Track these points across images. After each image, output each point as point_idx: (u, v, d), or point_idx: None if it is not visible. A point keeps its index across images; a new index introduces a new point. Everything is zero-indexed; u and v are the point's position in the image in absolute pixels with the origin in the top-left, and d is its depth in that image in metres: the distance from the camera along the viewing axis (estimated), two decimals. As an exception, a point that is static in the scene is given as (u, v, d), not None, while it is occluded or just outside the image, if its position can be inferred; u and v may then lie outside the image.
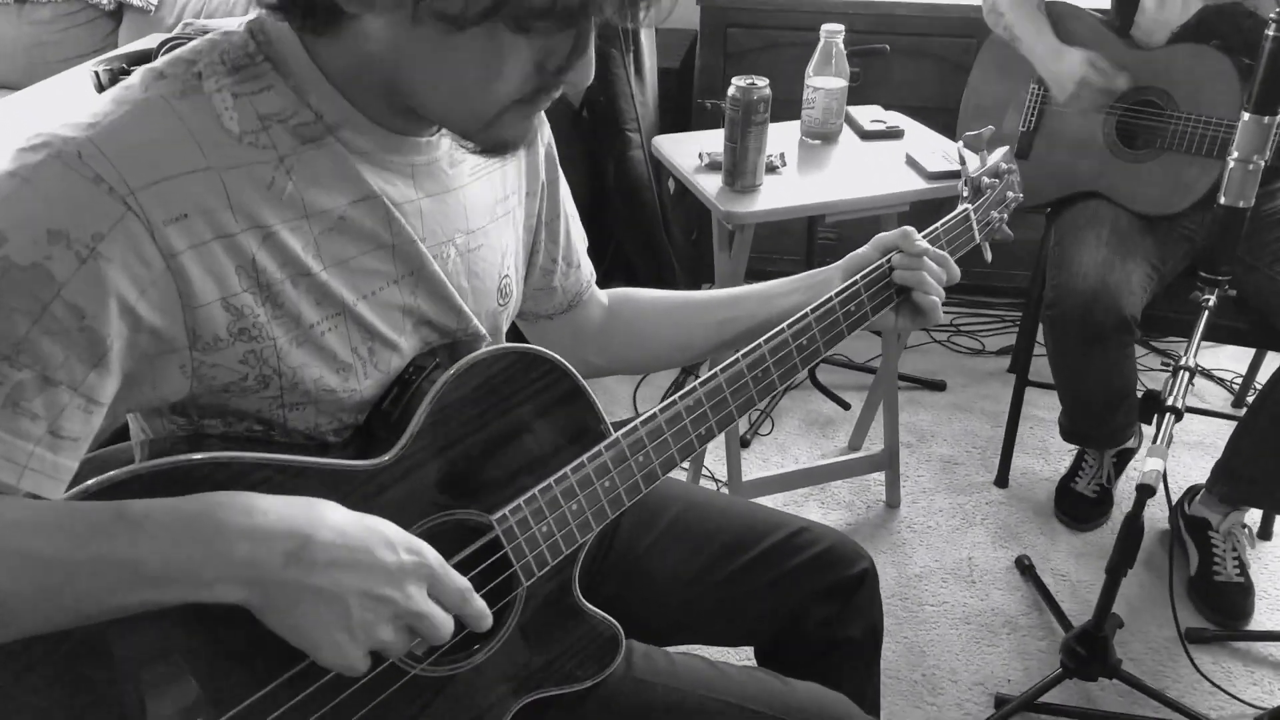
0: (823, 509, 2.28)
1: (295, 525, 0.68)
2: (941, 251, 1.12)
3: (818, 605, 1.19)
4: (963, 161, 1.25)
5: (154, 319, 0.69)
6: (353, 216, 0.79)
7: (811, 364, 1.06)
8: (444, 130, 0.86)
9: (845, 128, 2.06)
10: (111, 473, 0.68)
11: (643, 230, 2.58)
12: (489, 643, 0.89)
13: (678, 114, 2.91)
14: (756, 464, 2.42)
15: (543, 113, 1.04)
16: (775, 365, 1.02)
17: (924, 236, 1.11)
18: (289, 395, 0.79)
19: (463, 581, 0.78)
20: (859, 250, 1.11)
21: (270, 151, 0.74)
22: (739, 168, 1.77)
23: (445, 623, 0.76)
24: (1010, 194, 1.27)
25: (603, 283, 2.81)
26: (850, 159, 1.96)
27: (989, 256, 1.27)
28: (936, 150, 1.93)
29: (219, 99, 0.72)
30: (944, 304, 1.09)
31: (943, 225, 1.16)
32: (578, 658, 0.96)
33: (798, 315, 1.03)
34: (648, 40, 2.60)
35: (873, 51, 2.24)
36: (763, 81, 1.73)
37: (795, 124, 2.04)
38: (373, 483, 0.80)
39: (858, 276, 1.07)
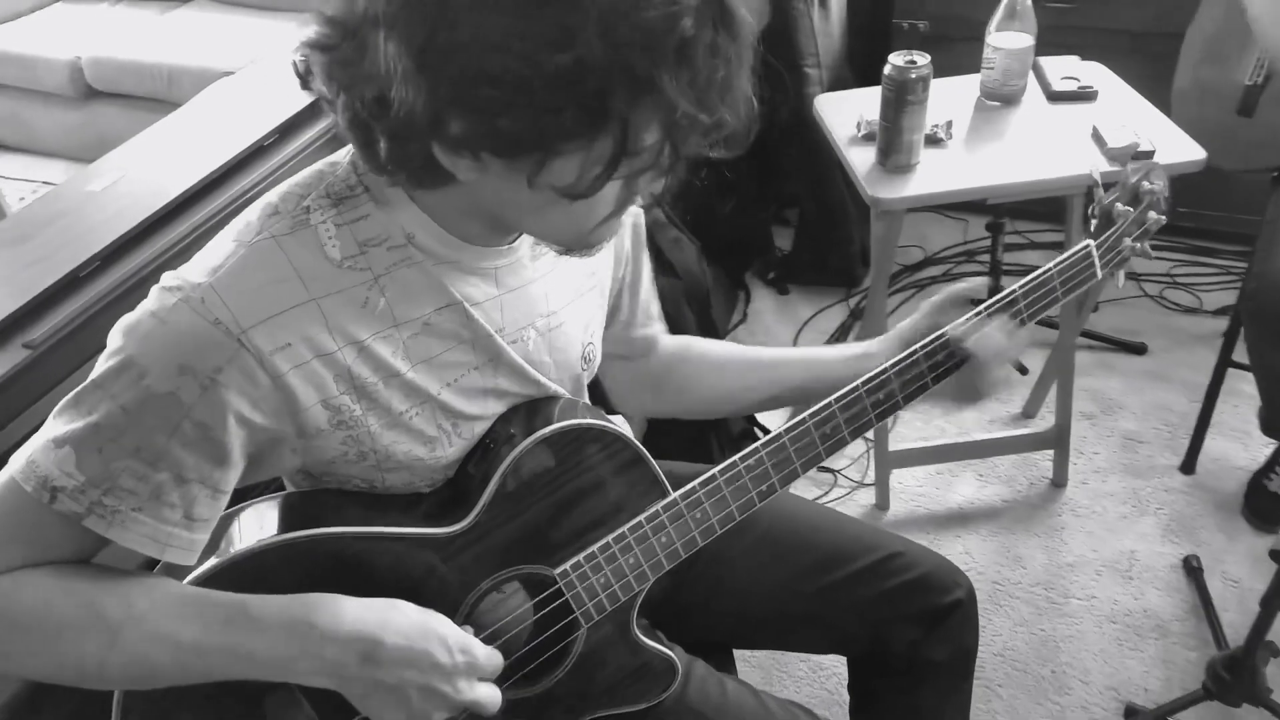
0: (980, 482, 2.20)
1: (368, 631, 0.82)
2: (1010, 322, 1.06)
3: (905, 626, 1.21)
4: (1092, 188, 1.14)
5: (266, 423, 0.81)
6: (436, 321, 0.88)
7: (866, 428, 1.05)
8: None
9: (1032, 83, 1.88)
10: (236, 553, 0.85)
11: (816, 175, 2.48)
12: (554, 674, 1.00)
13: (874, 37, 2.74)
14: (914, 425, 2.35)
15: None
16: (846, 421, 1.04)
17: (1002, 298, 1.07)
18: (384, 464, 0.90)
19: (499, 660, 0.89)
20: (909, 320, 1.12)
21: (366, 273, 0.84)
22: (892, 147, 1.66)
23: (491, 701, 0.88)
24: (1153, 215, 1.15)
25: (769, 227, 2.74)
26: (1030, 128, 1.80)
27: (1121, 282, 1.18)
28: (1129, 119, 1.74)
29: (323, 230, 0.83)
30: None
31: (1023, 286, 1.08)
32: (635, 685, 1.05)
33: (871, 374, 1.04)
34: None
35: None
36: (923, 59, 1.60)
37: (976, 79, 1.88)
38: (452, 546, 0.91)
39: (915, 348, 1.05)
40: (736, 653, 1.34)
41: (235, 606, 0.80)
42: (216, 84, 1.89)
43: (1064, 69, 1.92)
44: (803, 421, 1.01)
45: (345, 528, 0.87)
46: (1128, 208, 1.13)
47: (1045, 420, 2.24)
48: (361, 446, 0.87)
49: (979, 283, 1.12)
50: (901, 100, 1.60)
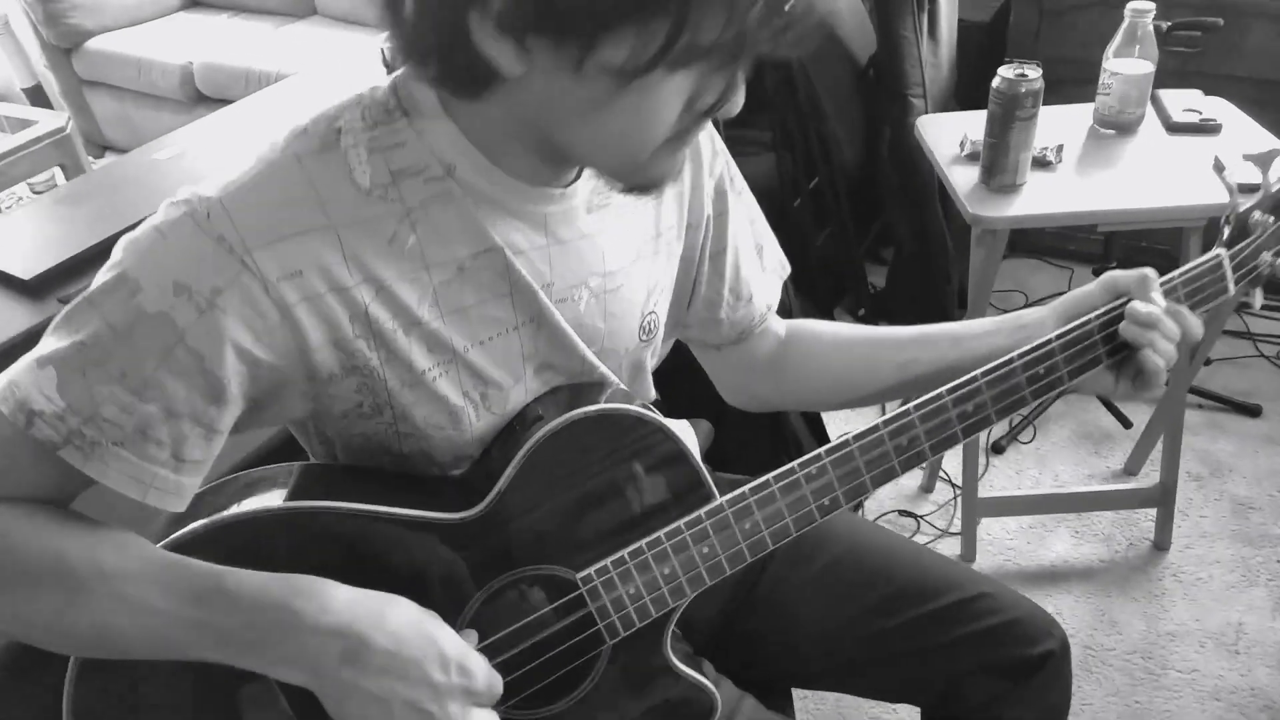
0: (1075, 538, 2.05)
1: (356, 627, 0.72)
2: (1180, 306, 0.94)
3: (988, 680, 1.07)
4: (1229, 193, 1.03)
5: (272, 360, 0.74)
6: (472, 268, 0.80)
7: (977, 431, 0.93)
8: (586, 174, 0.85)
9: (1151, 115, 1.78)
10: (222, 516, 0.77)
11: (915, 200, 2.39)
12: (568, 697, 0.88)
13: (982, 78, 2.64)
14: (1007, 475, 2.21)
15: (716, 146, 0.99)
16: (927, 434, 0.90)
17: (1161, 285, 0.94)
18: (402, 425, 0.82)
19: (499, 687, 0.79)
20: (1081, 289, 0.96)
21: (397, 205, 0.76)
22: (997, 165, 1.58)
23: None
24: None
25: (868, 252, 2.65)
26: (1145, 156, 1.69)
27: (1258, 303, 1.06)
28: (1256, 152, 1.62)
29: (354, 154, 0.75)
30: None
31: (1182, 274, 0.97)
32: (666, 716, 0.93)
33: (996, 363, 0.90)
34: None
35: (1201, 25, 1.90)
36: (1034, 72, 1.52)
37: (1089, 108, 1.79)
38: (461, 533, 0.81)
39: (1081, 319, 0.91)
40: (796, 693, 1.23)
41: (210, 578, 0.72)
42: (290, 79, 1.91)
43: (1185, 102, 1.81)
44: (875, 430, 0.89)
45: (346, 502, 0.79)
46: (1268, 215, 1.02)
47: (1148, 478, 2.09)
48: (377, 398, 0.79)
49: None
50: (1009, 115, 1.52)
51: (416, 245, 0.77)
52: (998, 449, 2.27)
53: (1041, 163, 1.65)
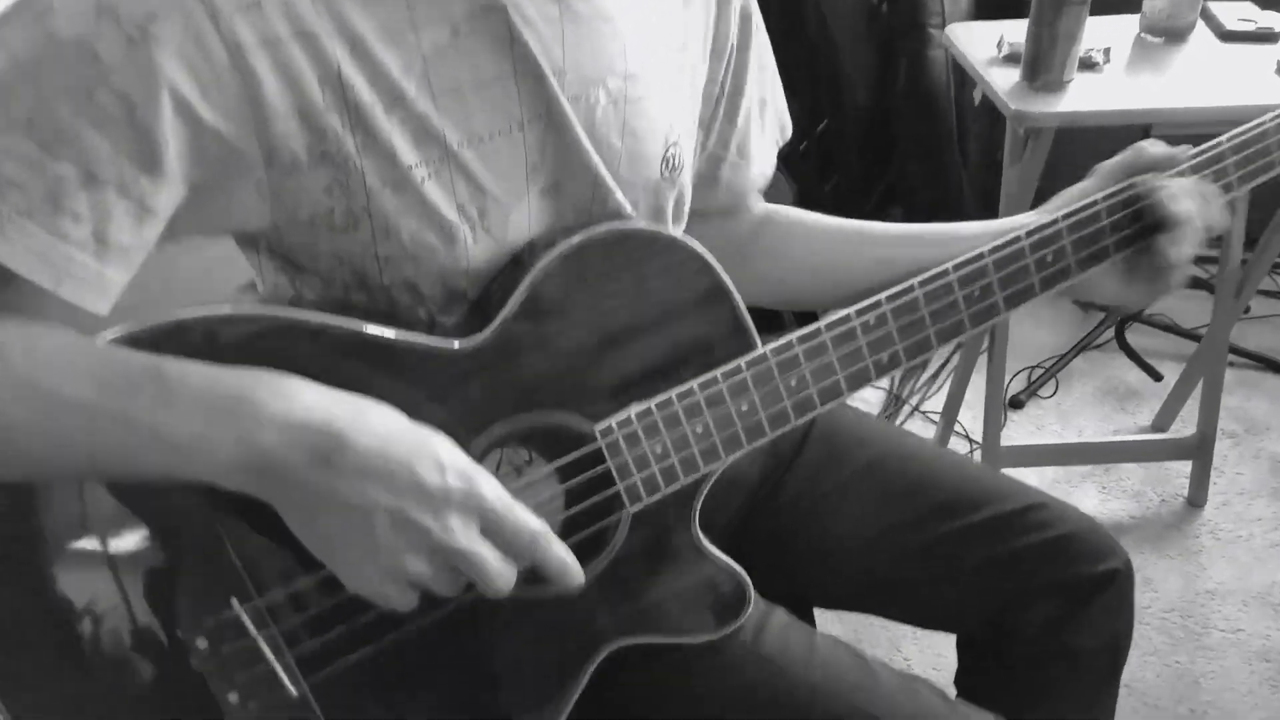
0: (1102, 494, 1.90)
1: (333, 423, 0.58)
2: (1210, 186, 0.80)
3: (1044, 601, 0.93)
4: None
5: (218, 124, 0.59)
6: (468, 31, 0.65)
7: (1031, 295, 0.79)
8: None
9: (1201, 26, 1.63)
10: (166, 320, 0.61)
11: (931, 145, 2.25)
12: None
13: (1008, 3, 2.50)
14: (1026, 431, 2.06)
15: None
16: (1001, 283, 0.77)
17: (1206, 149, 0.82)
18: (383, 245, 0.67)
19: (534, 524, 0.62)
20: (1082, 184, 0.83)
21: None
22: (1043, 60, 1.42)
23: (499, 571, 0.61)
24: None
25: (877, 207, 2.50)
26: (1199, 62, 1.55)
27: None
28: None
29: None
30: None
31: (1233, 138, 0.82)
32: (691, 608, 0.78)
33: (1036, 224, 0.78)
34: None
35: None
36: (1089, -50, 1.38)
37: (1134, 18, 1.65)
38: (455, 367, 0.67)
39: (1099, 195, 0.79)
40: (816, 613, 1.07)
41: (146, 366, 0.58)
42: None
43: (1239, 12, 1.66)
44: (944, 274, 0.76)
45: (312, 314, 0.64)
46: None
47: (1182, 430, 1.94)
48: (353, 202, 0.65)
49: (1179, 150, 0.86)
50: (1055, 5, 1.37)
51: None
52: (1016, 404, 2.12)
53: (1088, 64, 1.49)
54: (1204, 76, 1.50)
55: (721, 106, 0.87)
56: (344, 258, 0.68)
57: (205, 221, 0.64)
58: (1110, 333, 2.24)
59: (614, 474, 0.70)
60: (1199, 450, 1.83)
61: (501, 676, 0.74)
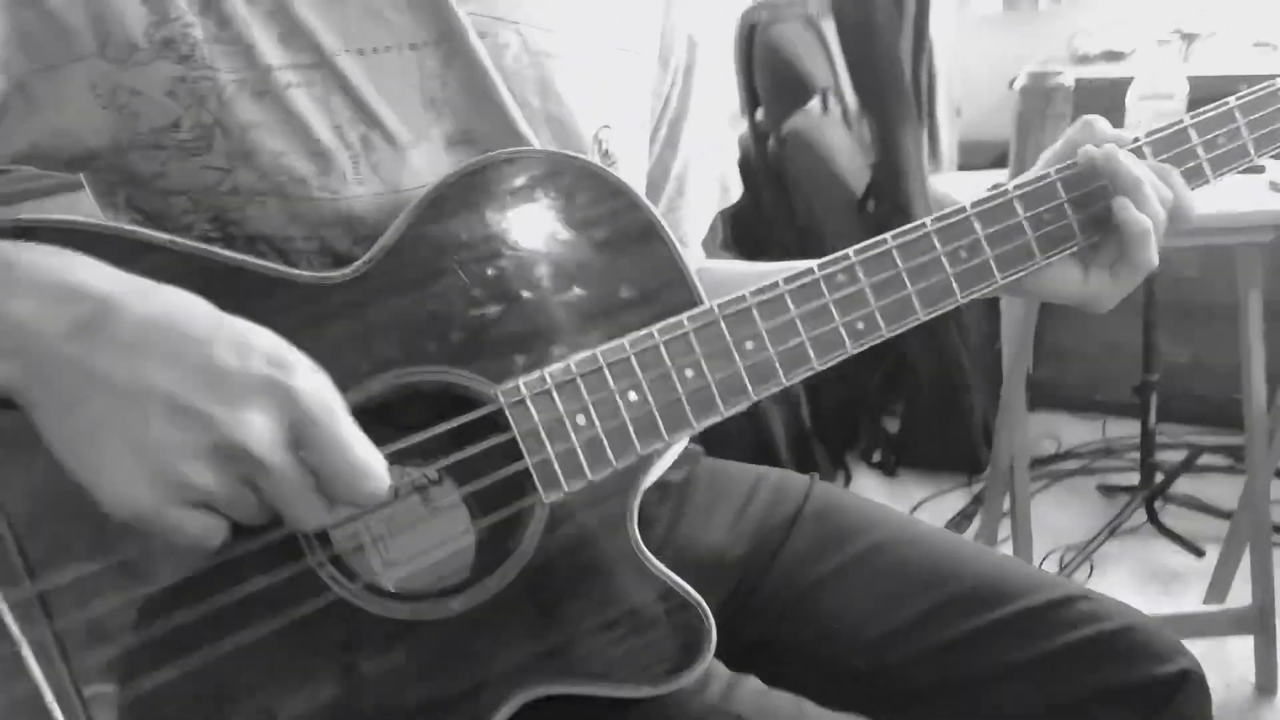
0: (1156, 678, 1.68)
1: (109, 290, 0.46)
2: (1167, 167, 0.70)
3: (1107, 710, 0.75)
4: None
5: None
6: None
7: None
8: None
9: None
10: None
11: (929, 331, 2.20)
12: (483, 581, 0.58)
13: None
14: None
15: None
16: (991, 240, 0.67)
17: (1165, 128, 0.72)
18: (241, 173, 0.57)
19: (368, 455, 0.48)
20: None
21: None
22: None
23: (302, 495, 0.47)
24: None
25: (883, 393, 2.40)
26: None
27: None
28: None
29: None
30: None
31: (1195, 116, 0.73)
32: (634, 640, 0.61)
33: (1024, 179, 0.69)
34: (945, 108, 2.31)
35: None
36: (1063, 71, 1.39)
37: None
38: (319, 304, 0.54)
39: (1050, 170, 0.70)
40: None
41: None
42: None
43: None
44: (921, 227, 0.66)
45: (170, 236, 0.54)
46: None
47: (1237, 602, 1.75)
48: (203, 113, 0.55)
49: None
50: (1038, 113, 1.36)
51: None
52: (1049, 589, 1.93)
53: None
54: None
55: (664, 126, 0.81)
56: (199, 197, 0.57)
57: (37, 128, 0.55)
58: (1141, 514, 2.09)
59: (521, 447, 0.56)
60: (1260, 624, 1.63)
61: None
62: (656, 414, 0.59)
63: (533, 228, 0.59)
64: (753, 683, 0.69)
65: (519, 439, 0.56)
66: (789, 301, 0.62)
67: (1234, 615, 1.66)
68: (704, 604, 0.62)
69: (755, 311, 0.61)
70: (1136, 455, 2.11)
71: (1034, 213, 0.68)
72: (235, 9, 0.55)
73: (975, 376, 2.25)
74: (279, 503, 0.47)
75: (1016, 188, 0.68)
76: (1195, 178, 0.72)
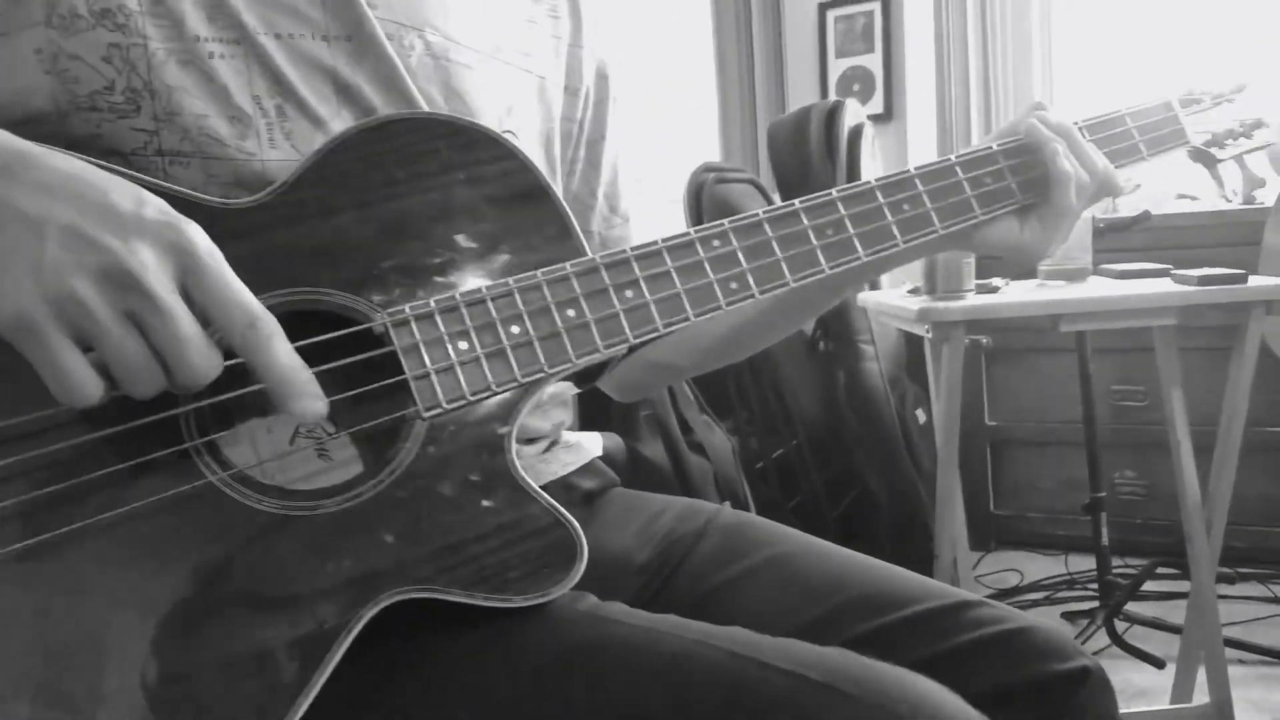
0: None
1: (27, 147, 0.53)
2: (1088, 144, 0.80)
3: (1008, 709, 0.73)
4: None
5: None
6: None
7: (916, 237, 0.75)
8: None
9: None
10: None
11: (881, 450, 2.24)
12: (357, 489, 0.60)
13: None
14: None
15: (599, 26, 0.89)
16: (932, 195, 0.75)
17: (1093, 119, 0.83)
18: (167, 134, 0.63)
19: (254, 304, 0.54)
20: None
21: None
22: (936, 275, 1.48)
23: (192, 339, 0.51)
24: (1257, 121, 0.93)
25: (844, 521, 2.39)
26: (1102, 288, 1.61)
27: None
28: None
29: None
30: None
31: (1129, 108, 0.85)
32: (502, 558, 0.62)
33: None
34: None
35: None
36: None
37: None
38: (221, 224, 0.58)
39: (994, 144, 0.79)
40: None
41: None
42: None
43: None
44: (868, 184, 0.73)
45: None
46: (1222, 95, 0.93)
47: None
48: (134, 78, 0.61)
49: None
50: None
51: None
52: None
53: (988, 290, 1.55)
54: (1111, 289, 1.56)
55: (582, 148, 0.88)
56: (129, 158, 0.63)
57: None
58: (1104, 637, 2.06)
59: (401, 359, 0.60)
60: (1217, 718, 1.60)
61: (233, 616, 0.56)
62: (537, 345, 0.63)
63: (429, 179, 0.65)
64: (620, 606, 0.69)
65: (399, 353, 0.60)
66: (666, 257, 0.67)
67: (1191, 713, 1.63)
68: (575, 523, 0.63)
69: (634, 262, 0.66)
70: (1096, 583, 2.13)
71: (973, 175, 0.76)
72: None
73: (929, 495, 2.27)
74: (167, 343, 0.51)
75: (959, 156, 0.77)
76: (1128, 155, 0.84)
